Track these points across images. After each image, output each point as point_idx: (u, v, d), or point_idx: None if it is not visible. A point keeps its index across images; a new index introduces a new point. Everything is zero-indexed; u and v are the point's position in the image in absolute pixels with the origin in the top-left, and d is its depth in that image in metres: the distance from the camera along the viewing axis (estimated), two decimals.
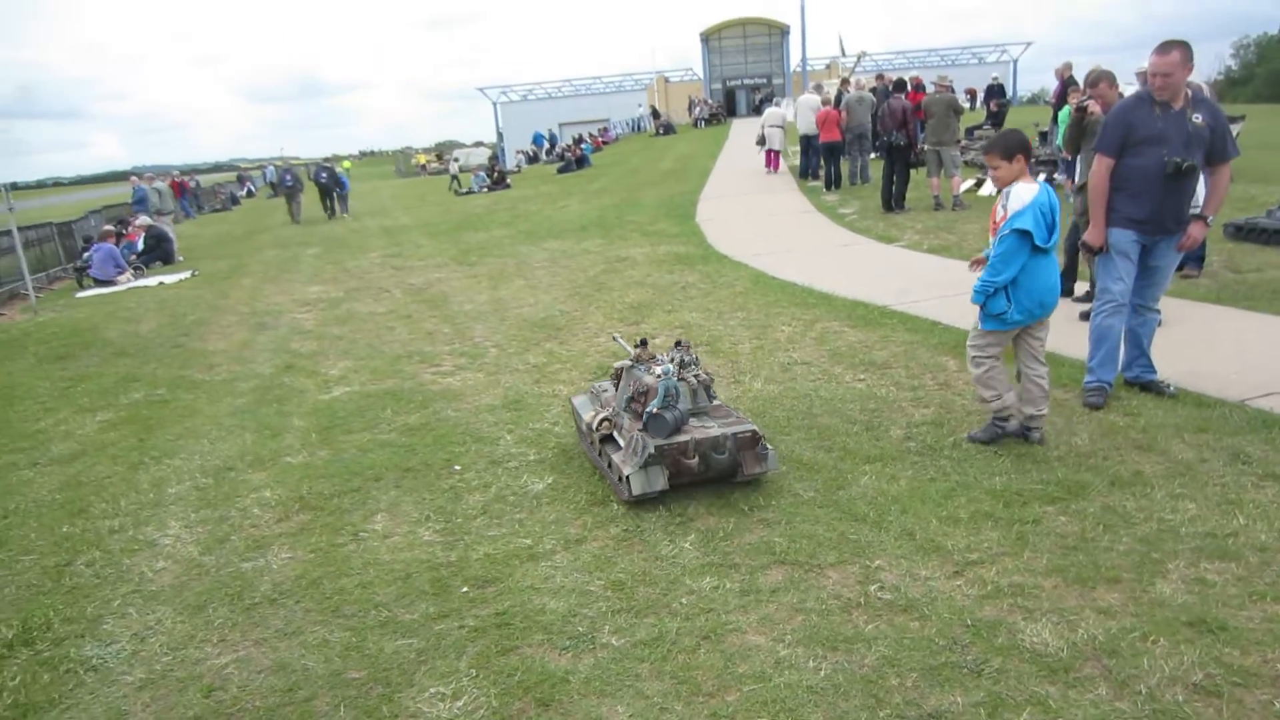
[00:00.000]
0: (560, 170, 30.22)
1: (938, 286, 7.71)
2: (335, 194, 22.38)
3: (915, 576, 3.17)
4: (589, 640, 2.93)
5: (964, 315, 6.62)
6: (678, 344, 4.25)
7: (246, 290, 11.19)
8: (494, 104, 65.21)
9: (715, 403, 4.13)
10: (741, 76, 58.59)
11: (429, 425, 5.21)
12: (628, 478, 3.80)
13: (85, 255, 14.61)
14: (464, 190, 26.52)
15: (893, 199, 12.30)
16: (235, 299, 10.54)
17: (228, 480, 4.65)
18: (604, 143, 43.24)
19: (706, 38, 58.49)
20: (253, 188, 41.57)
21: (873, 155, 16.09)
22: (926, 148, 12.36)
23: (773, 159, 19.03)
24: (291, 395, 6.15)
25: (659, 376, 3.98)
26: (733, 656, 2.79)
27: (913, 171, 12.65)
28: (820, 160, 16.32)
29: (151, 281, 13.24)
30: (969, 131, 17.19)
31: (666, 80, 62.65)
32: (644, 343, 4.39)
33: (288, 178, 22.67)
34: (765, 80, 57.04)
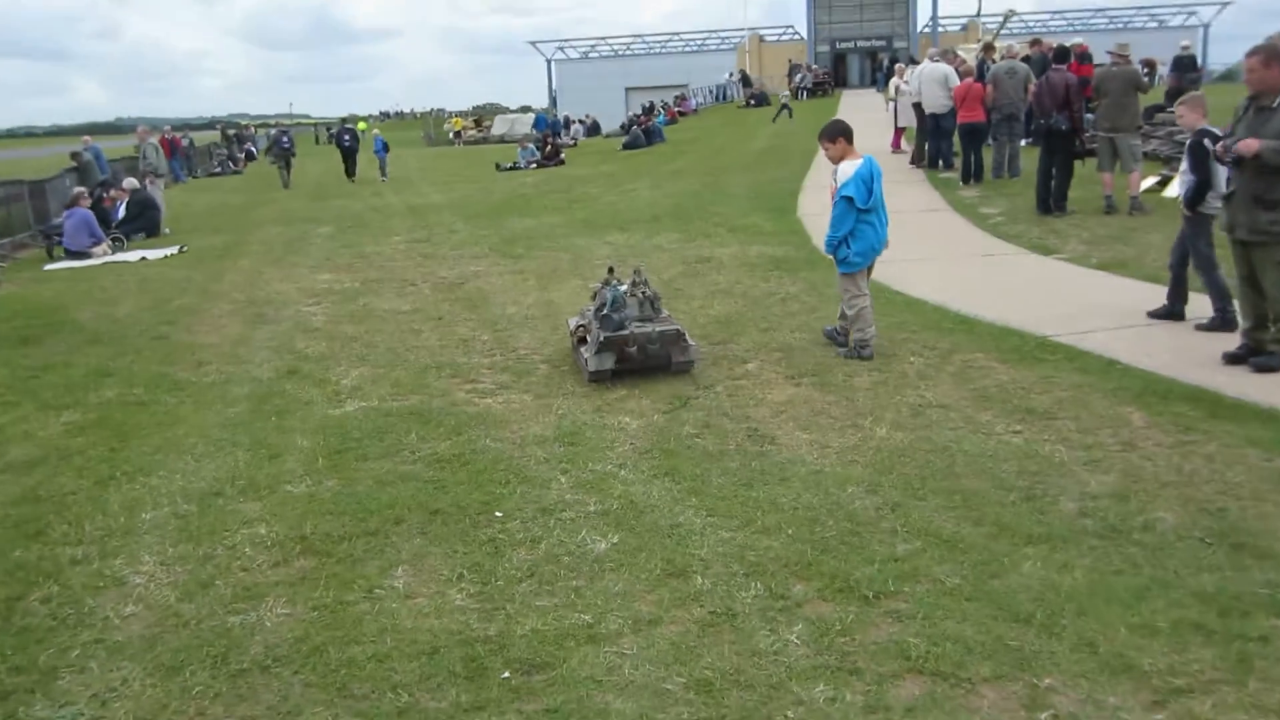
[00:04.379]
0: (626, 145, 30.39)
1: (1113, 313, 7.45)
2: (356, 158, 26.08)
3: (1100, 704, 2.98)
4: None
5: (1149, 354, 6.37)
6: (636, 271, 6.80)
7: (244, 273, 11.43)
8: (548, 61, 66.20)
9: (663, 314, 6.61)
10: (855, 38, 58.39)
11: (463, 457, 5.19)
12: (586, 359, 6.30)
13: (57, 221, 15.10)
14: (508, 166, 26.89)
15: (1051, 198, 11.98)
16: (230, 283, 10.77)
17: (215, 508, 4.70)
18: (681, 113, 43.39)
19: None
20: (254, 149, 42.75)
21: (1025, 142, 15.73)
22: (1098, 134, 12.02)
23: (897, 138, 19.50)
24: (294, 407, 6.21)
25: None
26: None
27: (1077, 164, 12.31)
28: (951, 145, 16.07)
29: (132, 256, 13.63)
30: (1148, 113, 16.59)
31: (761, 40, 62.86)
32: (611, 270, 6.85)
33: (284, 140, 26.36)
34: (884, 43, 56.68)
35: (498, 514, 4.48)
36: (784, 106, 33.80)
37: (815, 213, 13.35)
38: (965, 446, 5.03)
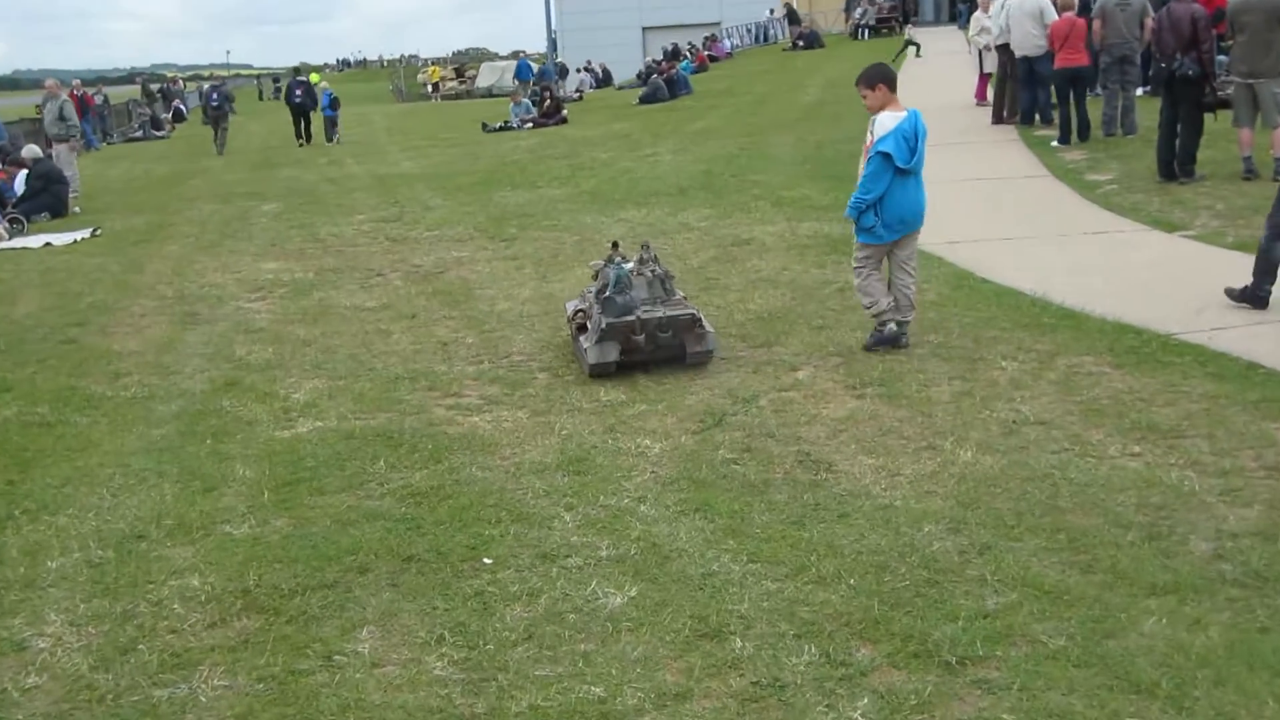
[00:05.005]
0: (644, 99, 30.46)
1: None
2: (310, 117, 27.13)
3: None
4: None
5: None
6: (644, 246, 7.20)
7: (171, 261, 11.52)
8: None
9: (677, 296, 6.94)
10: None
11: (443, 490, 5.20)
12: (586, 350, 6.61)
13: None
14: (497, 125, 26.98)
15: (1176, 161, 11.95)
16: (154, 274, 10.86)
17: (136, 555, 4.70)
18: (712, 58, 43.42)
19: None
20: (183, 108, 43.20)
21: (1142, 91, 15.65)
22: (1233, 80, 11.95)
23: (983, 86, 19.57)
24: (234, 428, 6.24)
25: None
26: None
27: (1208, 118, 12.26)
28: (1049, 96, 16.08)
29: (34, 241, 13.74)
30: None
31: None
32: (615, 245, 7.32)
33: (215, 96, 27.98)
34: None
35: (487, 560, 4.47)
36: (909, 42, 33.83)
37: None
38: (1071, 473, 5.00)
